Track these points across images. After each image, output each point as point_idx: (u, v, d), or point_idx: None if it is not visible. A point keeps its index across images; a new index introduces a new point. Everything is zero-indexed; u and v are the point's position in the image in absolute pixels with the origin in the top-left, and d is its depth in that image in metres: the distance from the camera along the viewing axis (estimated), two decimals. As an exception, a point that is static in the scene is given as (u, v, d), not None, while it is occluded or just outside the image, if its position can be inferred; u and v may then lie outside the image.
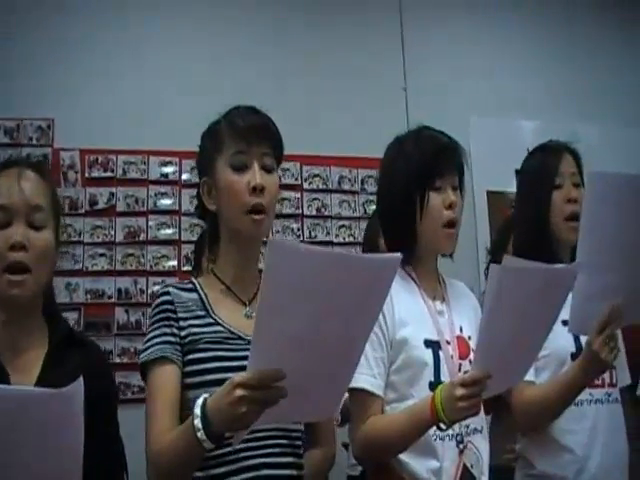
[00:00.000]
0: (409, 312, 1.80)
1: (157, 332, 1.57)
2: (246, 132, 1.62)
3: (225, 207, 1.64)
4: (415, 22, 4.36)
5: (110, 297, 3.69)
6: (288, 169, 3.93)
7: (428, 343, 1.77)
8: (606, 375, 2.01)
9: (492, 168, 4.06)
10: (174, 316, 1.57)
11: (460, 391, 1.52)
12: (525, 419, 2.01)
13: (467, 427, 1.75)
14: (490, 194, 4.25)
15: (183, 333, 1.56)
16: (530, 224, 2.12)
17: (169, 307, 1.58)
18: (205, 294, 1.64)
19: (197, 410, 1.29)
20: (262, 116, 1.69)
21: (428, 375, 1.75)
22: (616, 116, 4.64)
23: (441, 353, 1.77)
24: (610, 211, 1.71)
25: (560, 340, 1.95)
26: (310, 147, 3.89)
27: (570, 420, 1.97)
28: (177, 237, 3.82)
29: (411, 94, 4.20)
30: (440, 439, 1.71)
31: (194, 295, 1.63)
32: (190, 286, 1.66)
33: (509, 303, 1.47)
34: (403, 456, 1.69)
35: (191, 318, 1.58)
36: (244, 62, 3.90)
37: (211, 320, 1.59)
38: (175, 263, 3.78)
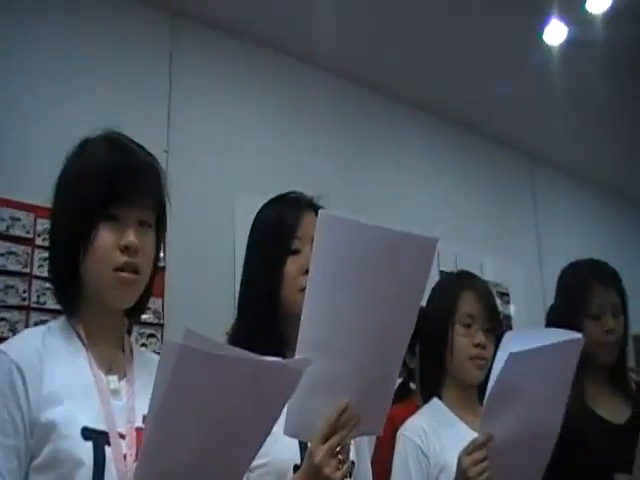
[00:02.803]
0: (66, 385, 1.26)
1: None
2: None
3: None
4: (184, 82, 4.06)
5: None
6: (19, 219, 3.29)
7: (88, 433, 1.22)
8: None
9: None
10: None
11: None
12: None
13: None
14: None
15: None
16: (257, 299, 1.61)
17: None
18: None
19: None
20: None
21: None
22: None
23: (108, 450, 1.23)
24: (344, 271, 1.26)
25: (280, 447, 1.44)
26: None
27: None
28: None
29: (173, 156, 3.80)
30: None
31: None
32: None
33: (192, 396, 1.00)
34: None
35: None
36: None
37: None
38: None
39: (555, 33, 4.38)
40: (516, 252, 5.31)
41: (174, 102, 3.96)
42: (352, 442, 1.57)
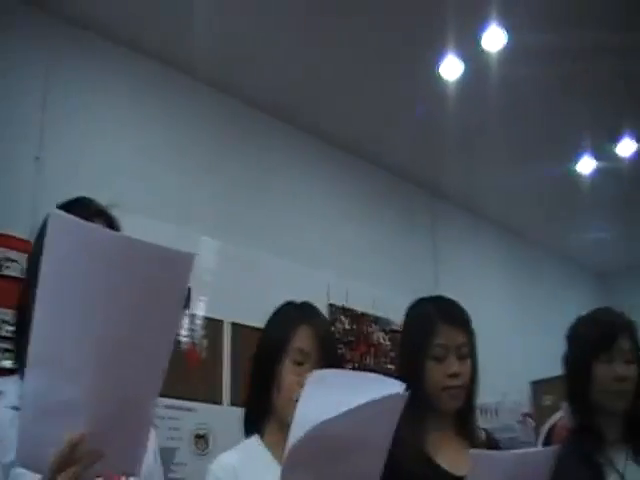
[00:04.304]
0: None
1: None
2: None
3: None
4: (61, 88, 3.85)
5: None
6: None
7: None
8: None
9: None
10: None
11: None
12: None
13: None
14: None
15: None
16: None
17: None
18: None
19: None
20: None
21: None
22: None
23: None
24: (75, 280, 1.05)
25: None
26: None
27: None
28: None
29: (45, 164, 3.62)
30: None
31: None
32: None
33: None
34: None
35: None
36: None
37: None
38: None
39: (451, 68, 4.35)
40: (413, 288, 5.19)
41: (49, 108, 3.74)
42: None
